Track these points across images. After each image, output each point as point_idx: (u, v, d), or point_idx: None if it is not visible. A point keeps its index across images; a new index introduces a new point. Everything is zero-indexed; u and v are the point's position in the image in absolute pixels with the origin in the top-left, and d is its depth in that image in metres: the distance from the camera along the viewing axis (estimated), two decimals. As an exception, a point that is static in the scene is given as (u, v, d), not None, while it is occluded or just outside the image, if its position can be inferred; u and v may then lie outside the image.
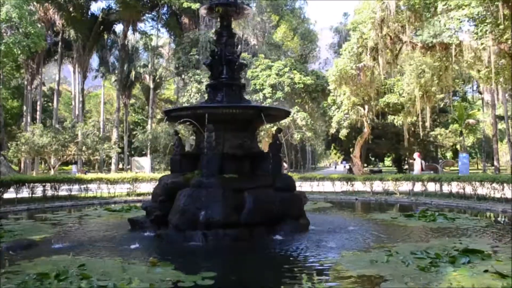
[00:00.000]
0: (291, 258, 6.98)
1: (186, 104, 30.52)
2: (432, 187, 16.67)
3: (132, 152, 62.02)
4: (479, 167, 59.33)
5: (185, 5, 31.69)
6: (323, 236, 8.77)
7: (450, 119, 39.90)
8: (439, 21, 20.82)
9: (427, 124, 29.44)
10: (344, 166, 61.61)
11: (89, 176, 18.59)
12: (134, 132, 66.38)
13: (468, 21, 17.47)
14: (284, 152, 10.62)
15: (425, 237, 8.73)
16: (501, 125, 47.33)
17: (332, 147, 57.44)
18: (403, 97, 30.64)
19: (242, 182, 9.27)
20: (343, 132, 31.38)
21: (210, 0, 10.64)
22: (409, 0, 20.89)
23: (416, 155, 25.56)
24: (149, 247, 7.99)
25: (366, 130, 30.85)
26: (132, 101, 67.21)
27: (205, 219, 8.27)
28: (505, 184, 13.61)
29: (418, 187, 16.77)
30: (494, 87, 30.59)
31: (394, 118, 31.58)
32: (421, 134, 31.21)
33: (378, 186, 17.80)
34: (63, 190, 16.88)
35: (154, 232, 9.23)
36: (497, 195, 14.02)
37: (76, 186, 17.39)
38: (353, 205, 15.71)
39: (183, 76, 32.49)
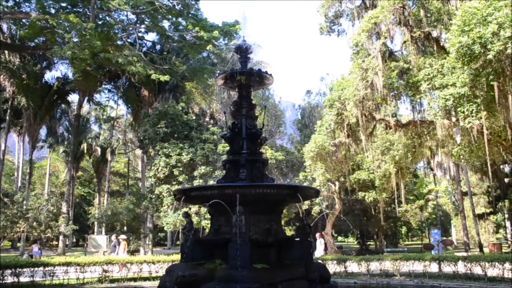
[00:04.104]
0: None
1: (153, 179, 28.94)
2: (434, 267, 15.88)
3: (76, 228, 58.16)
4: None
5: (154, 76, 30.97)
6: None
7: (411, 196, 40.47)
8: (419, 100, 21.20)
9: (403, 199, 29.51)
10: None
11: (56, 259, 16.32)
12: (87, 208, 62.61)
13: (453, 100, 17.65)
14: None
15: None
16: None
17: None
18: (372, 173, 30.74)
19: (275, 274, 8.03)
20: (316, 209, 30.67)
21: (229, 70, 9.89)
22: (389, 78, 21.29)
23: (317, 235, 24.33)
24: None
25: (338, 206, 30.33)
26: (79, 173, 64.14)
27: (243, 322, 6.89)
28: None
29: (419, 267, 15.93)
30: (462, 164, 31.42)
31: (364, 195, 31.43)
32: (397, 210, 31.09)
33: (375, 267, 16.79)
34: (25, 276, 14.60)
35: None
36: (511, 275, 13.39)
37: (39, 271, 15.13)
38: (359, 291, 14.52)
39: (147, 149, 31.11)
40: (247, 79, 9.65)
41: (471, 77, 16.70)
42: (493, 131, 20.72)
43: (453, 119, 20.28)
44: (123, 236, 22.20)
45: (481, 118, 17.74)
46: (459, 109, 18.00)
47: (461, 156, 24.67)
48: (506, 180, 37.01)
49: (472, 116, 17.84)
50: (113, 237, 22.43)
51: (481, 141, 21.68)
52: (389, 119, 24.70)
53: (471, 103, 17.52)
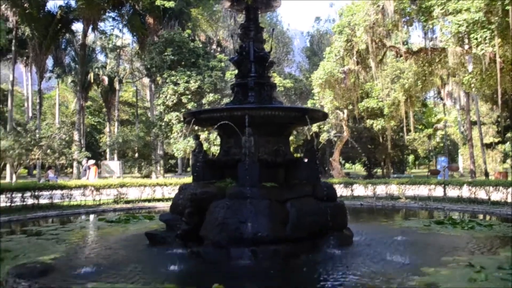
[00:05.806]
0: (376, 280, 6.05)
1: (162, 106, 29.15)
2: (439, 192, 16.34)
3: (89, 156, 59.52)
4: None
5: (158, 3, 30.23)
6: (378, 249, 7.96)
7: (420, 125, 40.58)
8: (431, 26, 20.67)
9: (411, 128, 29.66)
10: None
11: (73, 182, 16.99)
12: (98, 136, 63.50)
13: (467, 26, 17.22)
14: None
15: (486, 248, 8.07)
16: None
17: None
18: (381, 101, 30.68)
19: (284, 192, 8.30)
20: (324, 136, 30.98)
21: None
22: (401, 3, 20.66)
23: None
24: (192, 270, 6.85)
25: (346, 134, 30.56)
26: (88, 103, 64.42)
27: (253, 234, 7.23)
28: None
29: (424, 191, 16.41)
30: (473, 94, 31.16)
31: (373, 123, 31.56)
32: (405, 138, 31.33)
33: (381, 190, 17.29)
34: (44, 198, 15.31)
35: (182, 249, 8.03)
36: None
37: (57, 194, 15.84)
38: (364, 211, 15.07)
39: (155, 77, 31.04)
40: (254, 1, 9.45)
41: (486, 2, 16.25)
42: (506, 60, 20.37)
43: (466, 46, 19.90)
44: (92, 161, 22.63)
45: (494, 45, 17.43)
46: (472, 35, 17.65)
47: (472, 85, 24.36)
48: (516, 109, 36.81)
49: (485, 43, 17.53)
50: (84, 161, 22.71)
51: (493, 70, 21.36)
52: (400, 46, 24.22)
53: (485, 30, 17.16)
